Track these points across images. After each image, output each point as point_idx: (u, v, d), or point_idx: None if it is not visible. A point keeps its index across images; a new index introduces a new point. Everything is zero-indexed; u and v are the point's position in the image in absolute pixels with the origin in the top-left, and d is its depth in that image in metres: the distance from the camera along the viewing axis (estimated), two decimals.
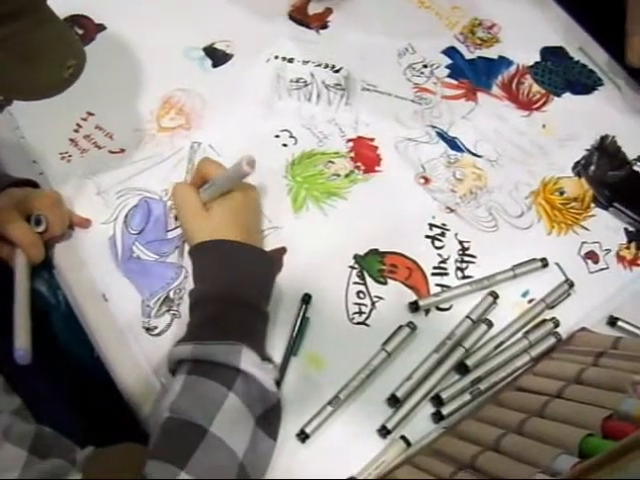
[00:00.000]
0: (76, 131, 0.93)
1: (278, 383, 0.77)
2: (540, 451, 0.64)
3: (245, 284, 0.77)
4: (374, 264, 0.87)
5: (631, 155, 1.00)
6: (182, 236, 0.87)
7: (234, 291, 0.76)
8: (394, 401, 0.79)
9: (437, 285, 0.87)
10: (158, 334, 0.82)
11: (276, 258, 0.86)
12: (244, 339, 0.72)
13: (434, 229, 0.91)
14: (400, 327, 0.82)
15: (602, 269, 0.91)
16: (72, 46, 0.76)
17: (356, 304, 0.85)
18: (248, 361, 0.71)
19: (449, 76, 1.04)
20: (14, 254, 0.80)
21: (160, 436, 0.67)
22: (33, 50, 0.68)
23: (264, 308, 0.79)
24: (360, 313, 0.84)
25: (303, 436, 0.76)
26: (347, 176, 0.94)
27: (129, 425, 0.78)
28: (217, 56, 1.02)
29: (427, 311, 0.85)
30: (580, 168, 0.98)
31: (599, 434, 0.63)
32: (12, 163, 0.91)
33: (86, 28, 1.01)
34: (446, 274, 0.88)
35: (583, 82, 1.05)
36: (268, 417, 0.73)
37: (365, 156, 0.95)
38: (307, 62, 1.03)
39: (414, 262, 0.88)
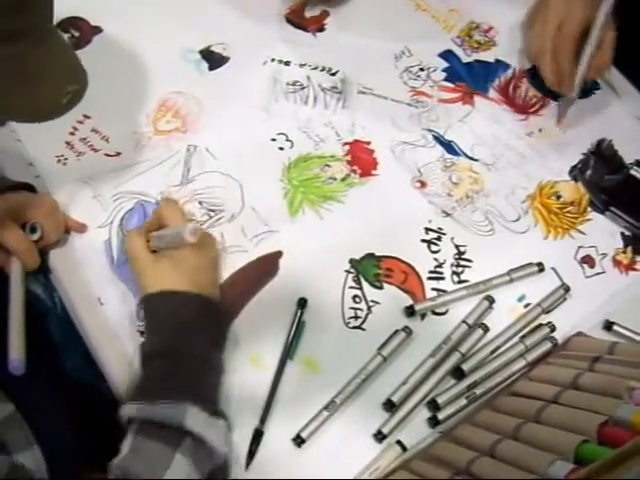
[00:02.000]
0: (72, 134, 0.93)
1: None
2: (536, 457, 0.64)
3: (193, 336, 0.74)
4: (370, 268, 0.87)
5: (628, 159, 1.00)
6: None
7: (181, 344, 0.73)
8: (390, 406, 0.79)
9: (433, 289, 0.87)
10: None
11: (272, 262, 0.86)
12: (191, 396, 0.70)
13: (430, 233, 0.91)
14: (396, 331, 0.82)
15: (598, 273, 0.91)
16: (74, 71, 0.75)
17: (352, 308, 0.85)
18: (194, 420, 0.68)
19: (446, 79, 1.04)
20: (9, 261, 0.79)
21: None
22: (31, 73, 0.67)
23: (216, 359, 0.76)
24: (356, 317, 0.84)
25: (299, 441, 0.76)
26: (343, 180, 0.94)
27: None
28: (214, 59, 1.02)
29: (423, 315, 0.85)
30: (577, 172, 0.98)
31: (595, 440, 0.63)
32: (8, 166, 0.90)
33: (82, 30, 1.01)
34: (442, 278, 0.88)
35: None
36: (214, 475, 0.71)
37: (361, 160, 0.95)
38: (304, 65, 1.03)
39: (410, 266, 0.88)
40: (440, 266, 0.89)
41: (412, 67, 1.05)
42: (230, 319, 0.81)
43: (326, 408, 0.78)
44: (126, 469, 0.66)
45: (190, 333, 0.74)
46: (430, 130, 0.99)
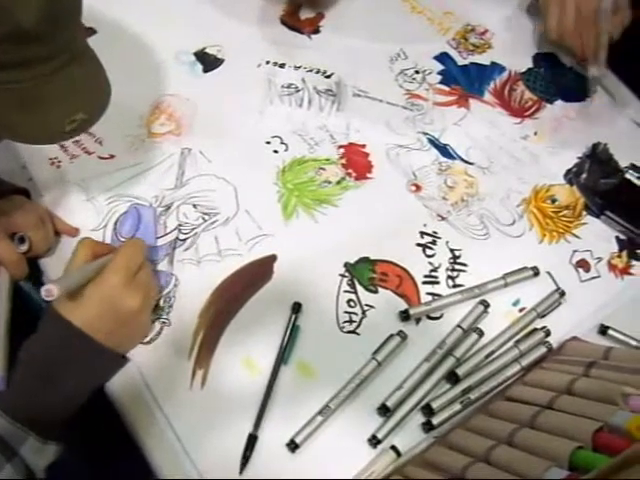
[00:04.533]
0: None
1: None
2: (530, 463, 0.64)
3: (68, 373, 0.73)
4: (365, 272, 0.87)
5: (623, 163, 1.00)
6: (172, 243, 0.86)
7: (52, 376, 0.72)
8: (384, 410, 0.78)
9: (428, 294, 0.87)
10: (148, 342, 0.81)
11: (266, 266, 0.85)
12: (36, 425, 0.70)
13: (425, 237, 0.91)
14: (391, 336, 0.82)
15: (593, 278, 0.91)
16: (86, 100, 0.73)
17: (347, 313, 0.84)
18: (28, 448, 0.69)
19: (441, 82, 1.04)
20: None
21: None
22: (34, 99, 0.66)
23: (79, 397, 0.75)
24: (350, 322, 0.84)
25: (293, 446, 0.76)
26: (338, 183, 0.93)
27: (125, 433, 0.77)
28: (208, 61, 1.01)
29: (418, 320, 0.85)
30: (572, 176, 0.98)
31: (590, 447, 0.63)
32: (1, 168, 0.90)
33: None
34: (437, 282, 0.88)
35: (575, 89, 1.05)
36: None
37: (356, 163, 0.95)
38: (298, 67, 1.02)
39: (405, 270, 0.88)
40: (435, 270, 0.88)
41: (407, 70, 1.04)
42: (119, 366, 0.79)
43: (320, 413, 0.77)
44: None
45: (66, 368, 0.73)
46: (425, 133, 0.99)
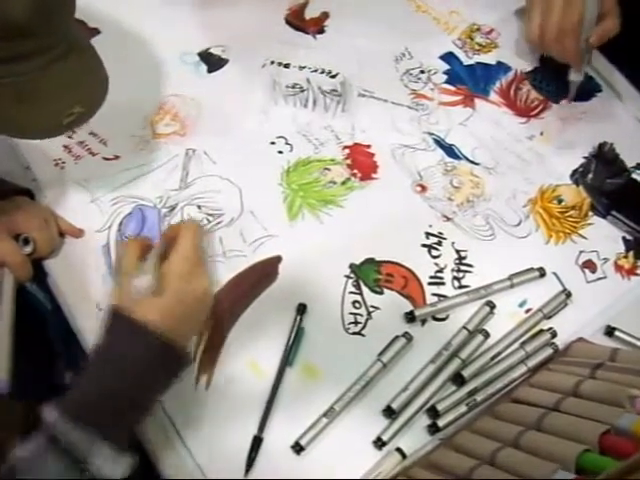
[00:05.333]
0: (70, 137, 0.92)
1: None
2: (537, 466, 0.63)
3: (141, 380, 0.69)
4: (370, 273, 0.87)
5: (629, 163, 0.99)
6: None
7: (124, 382, 0.68)
8: (390, 412, 0.78)
9: (433, 295, 0.86)
10: None
11: (271, 267, 0.85)
12: (109, 434, 0.66)
13: (431, 238, 0.90)
14: (396, 337, 0.82)
15: (600, 278, 0.91)
16: (84, 93, 0.73)
17: (352, 314, 0.84)
18: (102, 458, 0.65)
19: (447, 82, 1.03)
20: (1, 273, 0.79)
21: None
22: (30, 93, 0.66)
23: (151, 404, 0.71)
24: (356, 323, 0.84)
25: (298, 448, 0.76)
26: (343, 183, 0.93)
27: None
28: (212, 61, 1.01)
29: (423, 321, 0.85)
30: (578, 176, 0.97)
31: (596, 449, 0.63)
32: (5, 169, 0.90)
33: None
34: (442, 284, 0.87)
35: (581, 88, 1.04)
36: None
37: (361, 163, 0.95)
38: (303, 67, 1.02)
39: (410, 271, 0.87)
40: (441, 271, 0.88)
41: (413, 69, 1.04)
42: (187, 366, 0.75)
43: (325, 415, 0.77)
44: (21, 466, 0.63)
45: (139, 375, 0.69)
46: (431, 133, 0.98)
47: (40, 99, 0.68)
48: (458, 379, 0.81)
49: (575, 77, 0.99)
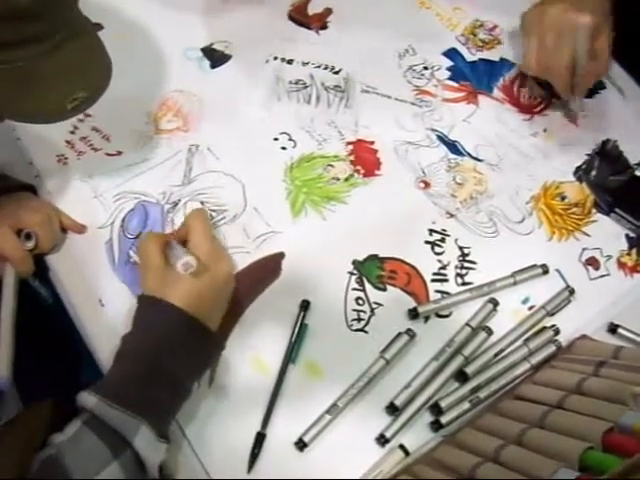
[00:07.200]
0: (72, 133, 0.92)
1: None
2: (540, 463, 0.63)
3: (177, 358, 0.71)
4: (373, 270, 0.87)
5: (633, 160, 0.99)
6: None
7: (164, 361, 0.70)
8: (393, 409, 0.78)
9: (437, 291, 0.86)
10: None
11: (274, 264, 0.85)
12: (149, 414, 0.67)
13: (434, 234, 0.90)
14: (399, 334, 0.82)
15: (603, 276, 0.91)
16: (87, 78, 0.73)
17: (355, 310, 0.84)
18: (143, 442, 0.66)
19: (450, 78, 1.03)
20: (3, 268, 0.79)
21: (38, 471, 0.64)
22: (34, 77, 0.66)
23: (189, 386, 0.73)
24: (359, 320, 0.84)
25: (301, 444, 0.76)
26: (347, 180, 0.93)
27: None
28: (215, 57, 1.01)
29: (426, 318, 0.85)
30: (581, 173, 0.97)
31: (599, 447, 0.63)
32: (8, 165, 0.90)
33: None
34: (446, 280, 0.87)
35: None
36: None
37: (365, 159, 0.95)
38: (306, 63, 1.02)
39: (413, 268, 0.87)
40: (444, 268, 0.88)
41: (416, 66, 1.04)
42: (220, 351, 0.78)
43: (328, 412, 0.77)
44: (60, 455, 0.64)
45: (175, 353, 0.71)
46: (434, 130, 0.98)
47: (43, 84, 0.68)
48: (461, 376, 0.80)
49: (575, 107, 0.99)
